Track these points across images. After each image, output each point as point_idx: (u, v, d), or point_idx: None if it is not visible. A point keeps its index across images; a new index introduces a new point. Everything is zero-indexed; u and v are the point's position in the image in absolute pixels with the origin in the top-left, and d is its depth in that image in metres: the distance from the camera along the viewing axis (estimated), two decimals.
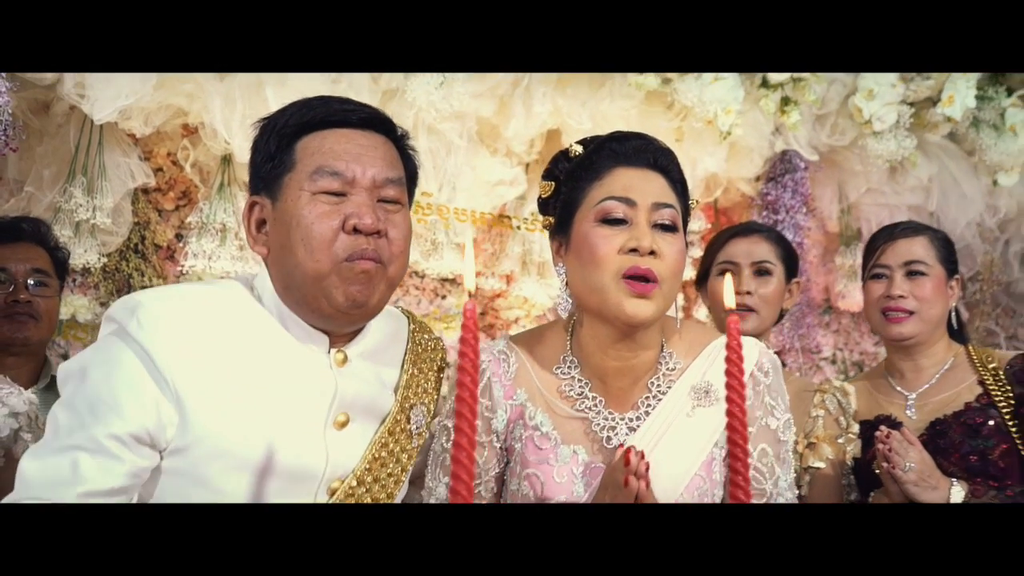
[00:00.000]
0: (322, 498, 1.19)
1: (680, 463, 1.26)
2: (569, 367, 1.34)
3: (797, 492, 1.39)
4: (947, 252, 1.83)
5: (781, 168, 2.70)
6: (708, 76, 2.32)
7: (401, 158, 1.29)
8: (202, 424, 1.10)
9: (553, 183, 1.39)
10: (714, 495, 1.28)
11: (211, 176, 2.40)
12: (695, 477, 1.26)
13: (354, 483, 1.21)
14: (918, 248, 1.79)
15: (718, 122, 2.33)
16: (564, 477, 1.27)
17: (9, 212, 2.23)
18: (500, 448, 1.33)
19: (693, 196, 2.66)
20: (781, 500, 1.30)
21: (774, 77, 2.41)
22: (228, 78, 2.13)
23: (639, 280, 1.21)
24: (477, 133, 2.48)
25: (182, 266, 2.40)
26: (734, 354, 0.86)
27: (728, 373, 0.85)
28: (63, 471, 1.05)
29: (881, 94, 2.50)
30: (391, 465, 1.25)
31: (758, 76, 2.45)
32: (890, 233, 1.86)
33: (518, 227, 2.70)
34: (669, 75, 2.38)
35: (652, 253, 1.22)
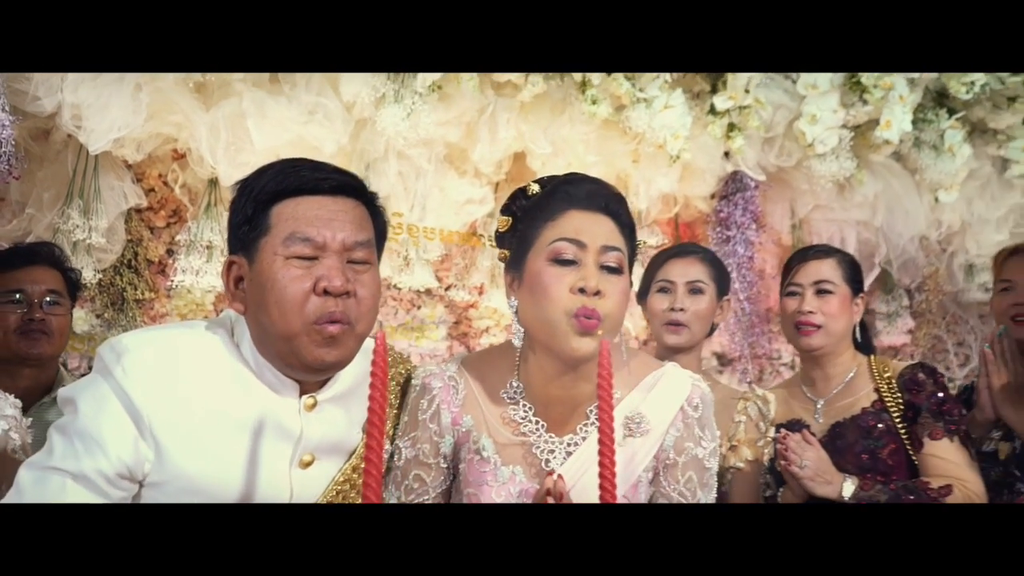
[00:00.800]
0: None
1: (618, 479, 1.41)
2: (515, 392, 1.45)
3: (715, 494, 1.55)
4: (853, 273, 2.03)
5: (733, 187, 2.89)
6: (658, 104, 2.51)
7: (371, 217, 1.36)
8: (176, 463, 1.23)
9: (510, 218, 1.46)
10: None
11: (199, 197, 2.59)
12: (622, 499, 1.39)
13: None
14: (826, 269, 1.99)
15: (668, 147, 2.52)
16: (502, 496, 1.39)
17: (11, 232, 2.42)
18: (446, 468, 1.45)
19: (652, 214, 2.85)
20: None
21: (720, 104, 2.60)
22: (213, 109, 2.32)
23: (586, 318, 1.30)
24: (446, 157, 2.66)
25: (172, 281, 2.59)
26: (604, 381, 1.04)
27: (600, 387, 1.03)
28: (52, 489, 1.19)
29: (823, 119, 2.69)
30: (352, 495, 1.37)
31: (707, 104, 2.64)
32: (803, 255, 2.06)
33: (488, 243, 2.88)
34: (623, 102, 2.57)
35: (597, 293, 1.32)
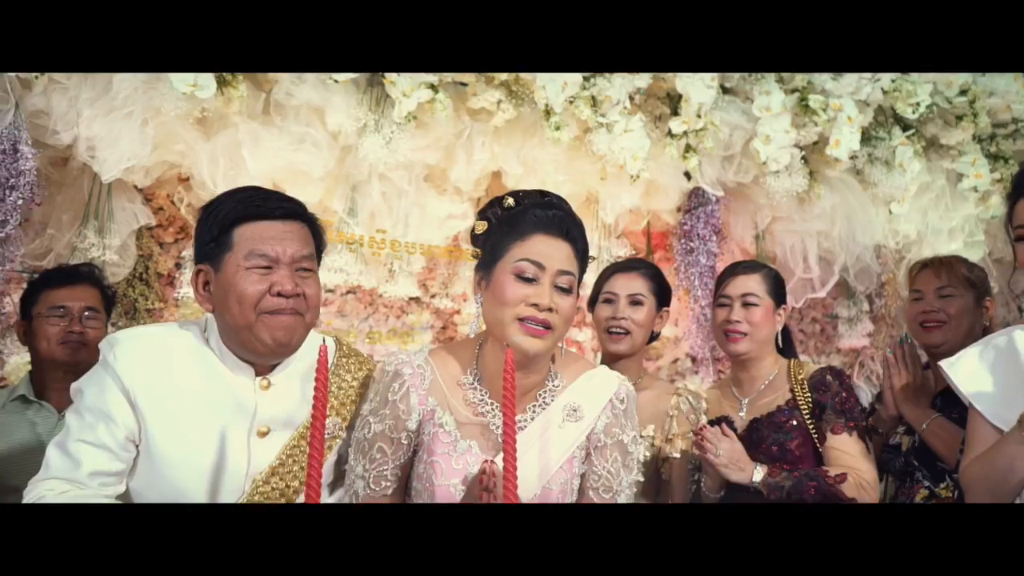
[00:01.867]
0: (248, 487, 1.61)
1: (550, 458, 1.65)
2: (473, 379, 1.69)
3: (640, 480, 1.78)
4: (776, 287, 2.26)
5: (695, 201, 3.11)
6: (618, 128, 2.74)
7: (312, 235, 1.69)
8: (154, 433, 1.56)
9: (486, 223, 1.70)
10: (573, 485, 1.68)
11: None
12: (559, 469, 1.65)
13: (269, 474, 1.62)
14: (752, 283, 2.22)
15: (628, 167, 2.75)
16: (460, 464, 1.62)
17: (35, 250, 2.69)
18: (407, 444, 1.66)
19: (621, 226, 3.08)
20: (622, 496, 1.70)
21: (676, 128, 2.83)
22: (212, 140, 2.58)
23: (535, 326, 1.58)
24: (426, 177, 2.91)
25: (179, 292, 2.86)
26: (509, 382, 1.28)
27: (505, 388, 1.28)
28: (74, 457, 1.53)
29: (776, 139, 2.91)
30: (302, 460, 1.65)
31: (665, 126, 2.87)
32: (733, 270, 2.29)
33: (473, 256, 3.13)
34: (587, 124, 2.80)
35: (549, 310, 1.58)
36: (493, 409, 1.67)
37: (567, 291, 1.61)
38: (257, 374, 1.66)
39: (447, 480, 1.61)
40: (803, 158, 3.02)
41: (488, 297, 1.64)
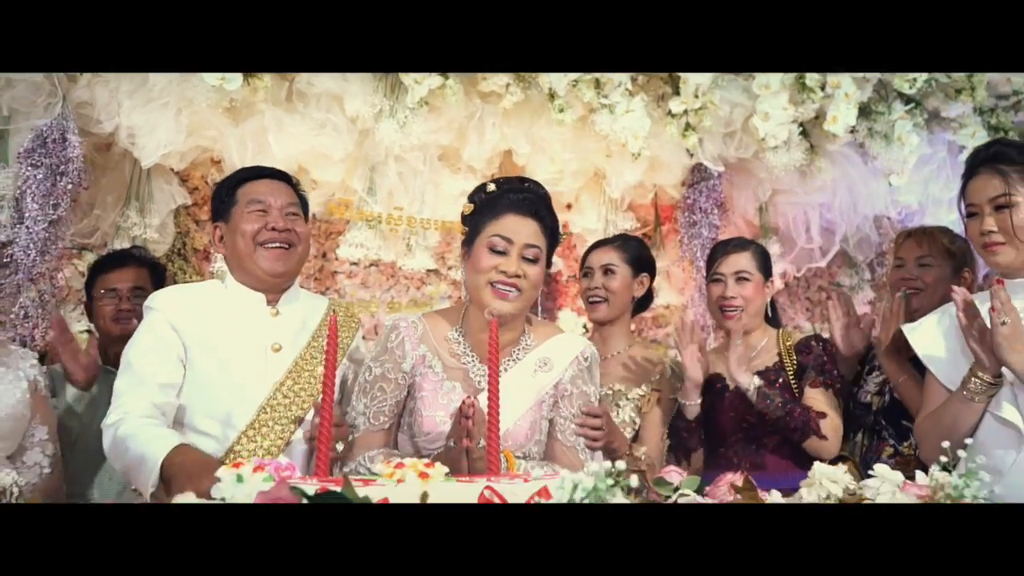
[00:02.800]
0: (268, 393, 1.95)
1: (523, 401, 1.93)
2: (458, 335, 1.98)
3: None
4: (764, 262, 2.45)
5: (697, 176, 3.25)
6: (620, 109, 2.88)
7: (296, 195, 2.17)
8: (194, 356, 1.95)
9: (472, 205, 2.00)
10: (542, 426, 1.95)
11: None
12: (529, 410, 1.93)
13: (282, 382, 1.97)
14: (743, 260, 2.40)
15: (630, 146, 2.90)
16: (444, 400, 1.89)
17: (83, 229, 2.94)
18: (403, 384, 1.93)
19: (627, 201, 3.24)
20: (582, 444, 1.95)
21: (675, 108, 2.96)
22: (241, 126, 2.79)
23: (504, 288, 1.87)
24: (440, 157, 3.10)
25: (214, 266, 3.09)
26: (493, 349, 1.48)
27: (490, 345, 1.48)
28: (139, 375, 1.90)
29: (775, 116, 3.03)
30: (308, 373, 2.01)
31: (666, 106, 3.01)
32: (724, 248, 2.47)
33: (462, 234, 3.32)
34: (591, 105, 2.95)
35: (516, 276, 1.87)
36: (474, 360, 1.96)
37: (533, 261, 1.90)
38: (268, 303, 2.07)
39: (433, 412, 1.89)
40: (803, 133, 3.14)
41: (468, 267, 1.95)
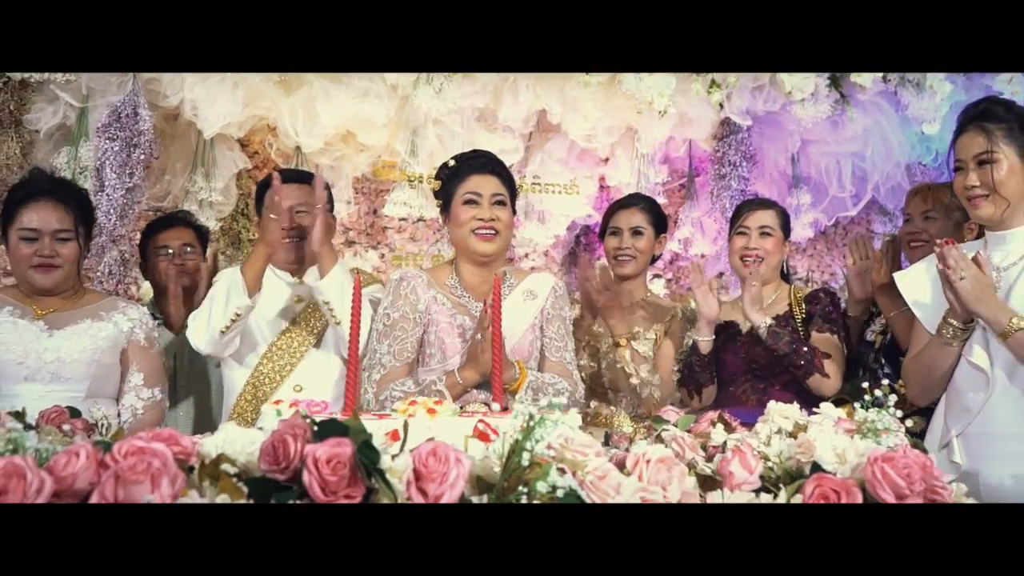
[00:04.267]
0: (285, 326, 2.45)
1: (521, 323, 2.29)
2: (455, 282, 2.33)
3: None
4: (785, 222, 2.64)
5: (726, 130, 3.35)
6: None
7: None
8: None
9: (440, 181, 2.37)
10: (536, 345, 2.31)
11: (290, 158, 3.34)
12: (527, 330, 2.29)
13: (296, 321, 2.46)
14: (767, 217, 2.59)
15: (655, 104, 3.04)
16: (455, 329, 2.25)
17: (157, 193, 3.25)
18: (418, 320, 2.26)
19: (658, 155, 3.36)
20: (568, 354, 2.32)
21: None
22: (292, 96, 3.03)
23: (484, 231, 2.25)
24: (477, 117, 3.28)
25: None
26: (496, 299, 1.70)
27: (495, 302, 1.70)
28: (218, 301, 2.30)
29: None
30: (317, 315, 2.45)
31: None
32: (751, 205, 2.67)
33: (520, 186, 3.51)
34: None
35: (492, 220, 2.25)
36: (471, 300, 2.32)
37: (503, 205, 2.30)
38: (292, 276, 2.48)
39: (452, 339, 2.24)
40: (832, 84, 3.20)
41: (451, 225, 2.35)
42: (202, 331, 2.31)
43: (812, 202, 3.58)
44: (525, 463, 1.14)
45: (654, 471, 1.16)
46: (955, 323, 1.90)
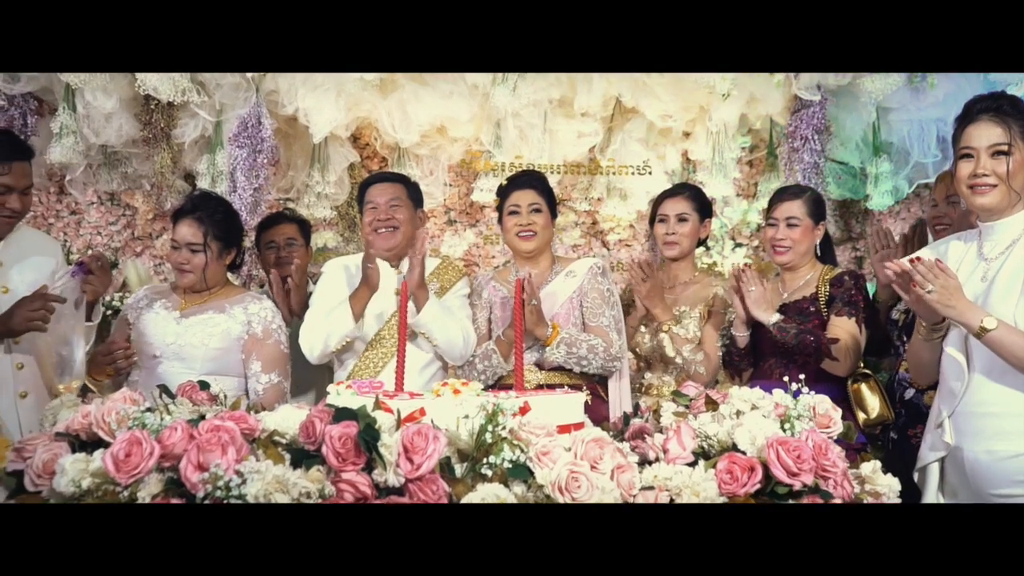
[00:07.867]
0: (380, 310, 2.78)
1: (562, 295, 2.78)
2: (515, 272, 2.83)
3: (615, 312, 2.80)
4: (816, 208, 2.73)
5: (799, 104, 3.44)
6: None
7: (406, 188, 2.91)
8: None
9: (498, 199, 2.90)
10: (575, 314, 2.76)
11: (393, 151, 3.78)
12: (566, 301, 2.77)
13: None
14: (795, 208, 2.70)
15: (717, 88, 3.20)
16: (508, 309, 2.78)
17: (283, 187, 3.77)
18: (487, 307, 2.87)
19: (732, 132, 3.57)
20: (606, 318, 2.74)
21: None
22: (387, 99, 3.45)
23: (524, 234, 2.78)
24: (557, 106, 3.57)
25: None
26: (517, 302, 2.03)
27: (515, 305, 2.04)
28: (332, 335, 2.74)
29: None
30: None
31: None
32: (780, 196, 2.79)
33: (600, 167, 3.80)
34: None
35: (529, 224, 2.78)
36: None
37: (539, 211, 2.81)
38: (392, 266, 2.83)
39: (503, 317, 2.80)
40: None
41: (504, 232, 2.90)
42: (318, 349, 2.75)
43: (893, 170, 3.60)
44: (489, 440, 1.49)
45: (587, 448, 1.48)
46: (924, 325, 2.04)
